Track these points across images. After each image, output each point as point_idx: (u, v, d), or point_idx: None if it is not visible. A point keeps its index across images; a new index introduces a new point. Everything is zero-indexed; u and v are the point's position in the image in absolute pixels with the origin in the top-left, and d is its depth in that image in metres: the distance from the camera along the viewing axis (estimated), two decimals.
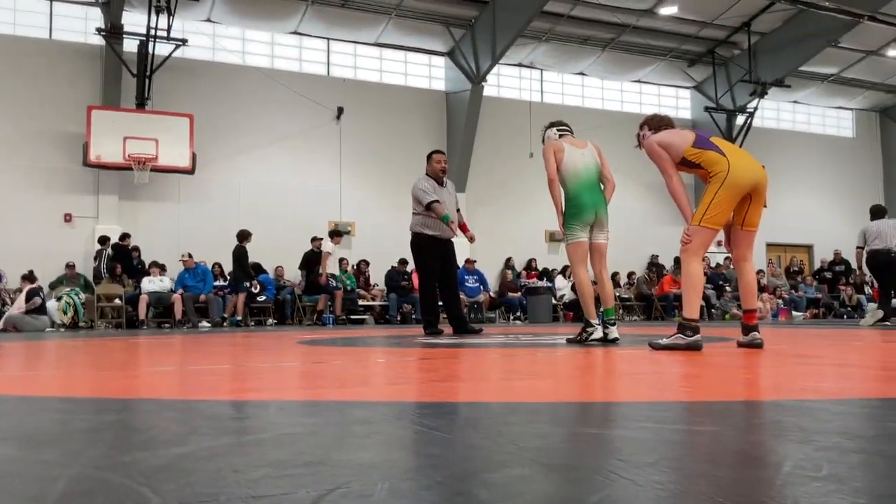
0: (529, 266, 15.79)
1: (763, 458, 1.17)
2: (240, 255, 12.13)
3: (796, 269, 18.12)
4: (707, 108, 17.68)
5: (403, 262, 13.28)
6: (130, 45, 13.14)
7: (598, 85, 18.06)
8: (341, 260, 13.27)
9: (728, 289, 15.42)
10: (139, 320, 11.74)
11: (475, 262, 14.24)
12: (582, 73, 17.70)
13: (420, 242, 6.90)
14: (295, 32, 15.19)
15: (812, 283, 17.29)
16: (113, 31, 12.89)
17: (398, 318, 13.24)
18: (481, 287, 14.21)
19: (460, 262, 10.47)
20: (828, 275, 17.43)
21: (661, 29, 16.52)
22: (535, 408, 1.84)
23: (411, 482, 1.01)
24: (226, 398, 2.17)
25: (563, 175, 4.84)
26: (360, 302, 13.39)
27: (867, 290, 16.37)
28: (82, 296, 11.65)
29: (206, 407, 1.92)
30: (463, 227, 7.07)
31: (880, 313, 9.21)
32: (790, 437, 1.31)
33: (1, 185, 12.82)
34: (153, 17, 12.77)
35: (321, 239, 13.13)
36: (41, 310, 10.80)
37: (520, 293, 14.82)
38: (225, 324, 11.93)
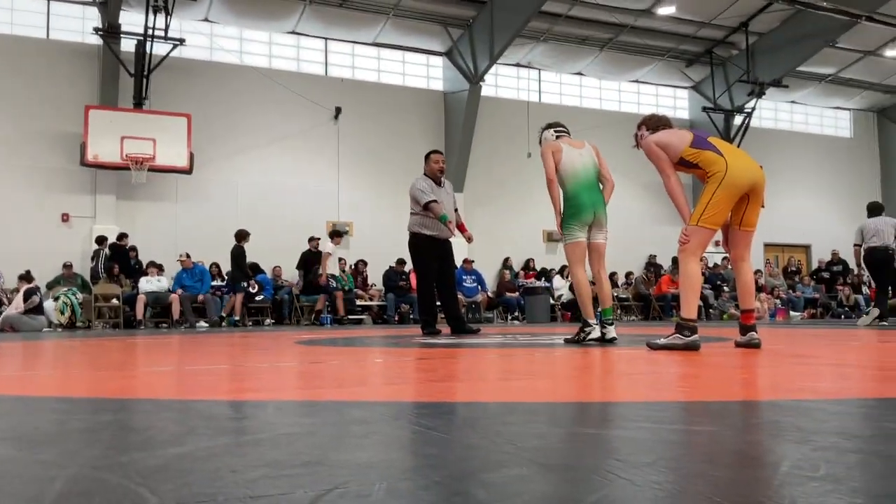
0: (527, 266, 15.80)
1: (761, 458, 1.17)
2: (238, 254, 12.12)
3: (794, 269, 18.15)
4: (705, 108, 17.71)
5: (401, 261, 13.28)
6: (128, 45, 13.13)
7: (596, 85, 18.07)
8: (339, 260, 13.26)
9: (726, 289, 15.43)
10: (136, 320, 11.72)
11: (473, 262, 14.24)
12: (580, 73, 17.71)
13: (418, 242, 6.90)
14: (293, 32, 15.19)
15: (810, 283, 17.32)
16: (110, 31, 12.88)
17: (396, 318, 13.24)
18: (479, 287, 14.22)
19: (458, 262, 10.48)
20: (825, 275, 17.46)
21: (658, 29, 16.54)
22: (533, 408, 1.84)
23: (409, 482, 1.01)
24: (223, 398, 2.17)
25: (562, 175, 4.85)
26: (358, 302, 13.39)
27: (865, 290, 16.39)
28: (79, 296, 11.62)
29: (203, 407, 1.92)
30: (461, 227, 7.07)
31: (877, 311, 9.23)
32: (788, 437, 1.32)
33: None
34: (151, 16, 12.76)
35: (318, 239, 13.14)
36: (38, 310, 10.78)
37: (518, 293, 14.82)
38: (223, 324, 11.92)
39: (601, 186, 4.96)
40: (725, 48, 17.58)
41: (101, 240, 12.50)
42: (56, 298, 11.38)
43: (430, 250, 6.86)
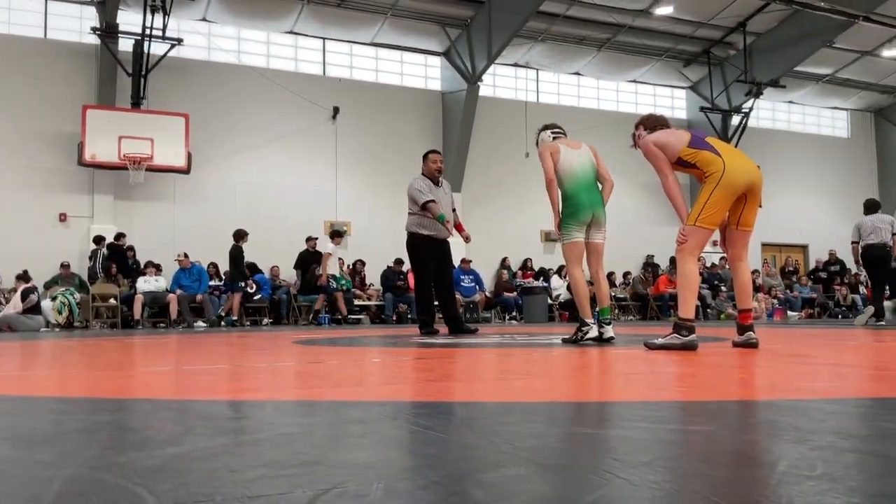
0: (525, 266, 15.80)
1: (758, 458, 1.17)
2: (236, 254, 12.11)
3: (791, 268, 18.16)
4: (702, 109, 17.72)
5: (399, 261, 13.27)
6: (126, 45, 13.11)
7: (594, 85, 18.07)
8: (339, 259, 13.25)
9: (723, 288, 15.44)
10: (134, 320, 11.71)
11: (471, 261, 14.24)
12: (578, 73, 17.72)
13: (416, 242, 6.90)
14: (291, 32, 15.18)
15: (807, 282, 17.34)
16: (108, 31, 12.85)
17: (394, 318, 13.24)
18: (477, 287, 14.22)
19: (456, 262, 10.47)
20: (823, 275, 17.49)
21: (656, 29, 16.55)
22: (531, 407, 1.84)
23: (407, 482, 1.01)
24: (222, 398, 2.17)
25: (561, 176, 4.86)
26: (356, 302, 13.38)
27: (862, 289, 16.42)
28: (77, 296, 11.60)
29: (201, 407, 1.92)
30: (459, 227, 7.08)
31: (871, 309, 9.24)
32: (785, 437, 1.32)
33: None
34: (148, 16, 12.75)
35: (316, 239, 13.13)
36: (36, 309, 10.76)
37: (515, 293, 14.83)
38: (221, 324, 11.91)
39: (599, 186, 4.97)
40: (723, 48, 17.60)
41: (98, 240, 12.48)
42: (54, 298, 11.36)
43: (427, 250, 6.86)
